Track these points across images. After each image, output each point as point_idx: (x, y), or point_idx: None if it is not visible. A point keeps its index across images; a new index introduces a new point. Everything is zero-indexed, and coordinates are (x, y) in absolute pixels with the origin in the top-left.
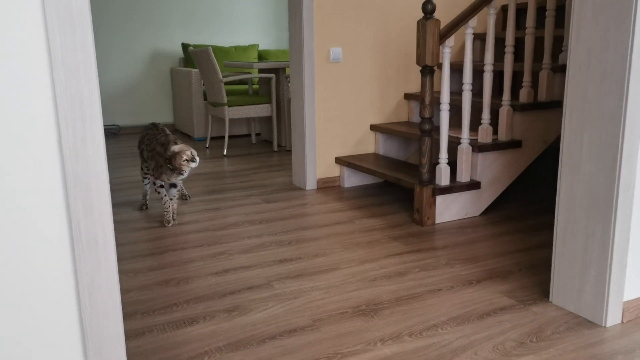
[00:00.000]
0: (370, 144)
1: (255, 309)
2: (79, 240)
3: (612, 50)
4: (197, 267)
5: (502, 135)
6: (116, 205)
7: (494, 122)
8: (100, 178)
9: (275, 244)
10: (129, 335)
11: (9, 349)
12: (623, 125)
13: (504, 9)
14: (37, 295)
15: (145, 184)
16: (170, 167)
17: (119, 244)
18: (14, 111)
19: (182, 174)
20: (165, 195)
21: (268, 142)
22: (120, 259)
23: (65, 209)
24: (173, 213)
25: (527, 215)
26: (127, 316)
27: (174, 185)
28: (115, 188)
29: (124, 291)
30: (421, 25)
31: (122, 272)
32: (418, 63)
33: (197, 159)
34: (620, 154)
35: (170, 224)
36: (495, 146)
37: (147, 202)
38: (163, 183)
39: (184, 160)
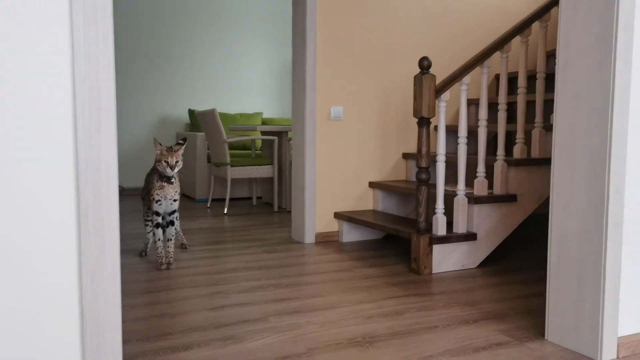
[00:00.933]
0: (369, 201)
1: (251, 339)
2: (86, 223)
3: (596, 89)
4: (193, 304)
5: (497, 189)
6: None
7: (489, 177)
8: (111, 164)
9: (273, 287)
10: (124, 358)
11: (9, 330)
12: (609, 160)
13: (497, 77)
14: (39, 276)
15: (148, 232)
16: (159, 166)
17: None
18: (35, 96)
19: (167, 172)
20: (160, 239)
21: (269, 204)
22: None
23: (75, 191)
24: (169, 255)
25: (525, 268)
26: (123, 342)
27: (171, 223)
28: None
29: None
30: (418, 80)
31: None
32: (415, 115)
33: (172, 160)
34: (607, 188)
35: (164, 267)
36: (491, 199)
37: (148, 249)
38: (159, 221)
39: (163, 155)
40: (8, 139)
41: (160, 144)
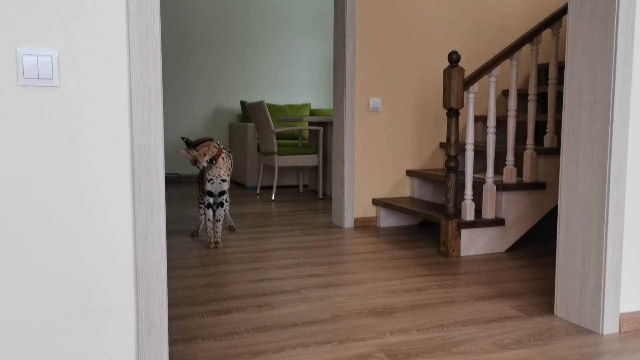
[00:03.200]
0: (406, 188)
1: (283, 306)
2: (139, 196)
3: (599, 82)
4: (236, 277)
5: (527, 177)
6: (174, 231)
7: (519, 166)
8: (158, 148)
9: (308, 264)
10: (174, 318)
11: (75, 279)
12: (610, 148)
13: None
14: (103, 237)
15: (200, 214)
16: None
17: (171, 258)
18: (101, 93)
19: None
20: (210, 220)
21: (314, 192)
22: (172, 267)
23: (131, 170)
24: (217, 234)
25: (552, 253)
26: (173, 305)
27: (220, 205)
28: (173, 220)
29: (172, 289)
30: (447, 73)
31: (172, 277)
32: (444, 106)
33: (203, 164)
34: (609, 174)
35: (212, 246)
36: (520, 186)
37: (200, 230)
38: (210, 202)
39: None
40: (81, 127)
41: (187, 143)
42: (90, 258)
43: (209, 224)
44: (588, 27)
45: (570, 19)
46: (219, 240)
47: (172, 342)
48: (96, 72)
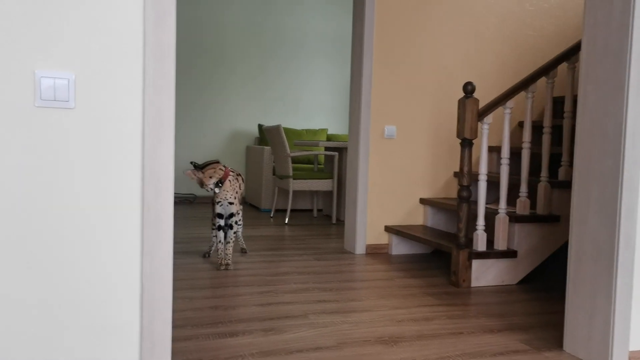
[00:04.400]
0: (419, 216)
1: (289, 331)
2: (148, 218)
3: (611, 117)
4: (244, 299)
5: (540, 209)
6: (185, 252)
7: (532, 198)
8: (168, 170)
9: (317, 290)
10: (178, 339)
11: (80, 297)
12: (621, 183)
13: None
14: (110, 257)
15: (212, 236)
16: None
17: (181, 279)
18: (114, 116)
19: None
20: (220, 242)
21: (328, 217)
22: (181, 288)
23: (140, 191)
24: (227, 256)
25: (565, 287)
26: (179, 326)
27: (229, 227)
28: (186, 240)
29: (179, 310)
30: (461, 103)
31: (180, 297)
32: (458, 136)
33: (210, 187)
34: (619, 210)
35: (222, 268)
36: (533, 218)
37: (211, 251)
38: (221, 224)
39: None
40: (94, 148)
41: (194, 167)
42: (97, 277)
43: (220, 245)
44: (601, 63)
45: (583, 54)
46: (229, 262)
47: None
48: (111, 94)
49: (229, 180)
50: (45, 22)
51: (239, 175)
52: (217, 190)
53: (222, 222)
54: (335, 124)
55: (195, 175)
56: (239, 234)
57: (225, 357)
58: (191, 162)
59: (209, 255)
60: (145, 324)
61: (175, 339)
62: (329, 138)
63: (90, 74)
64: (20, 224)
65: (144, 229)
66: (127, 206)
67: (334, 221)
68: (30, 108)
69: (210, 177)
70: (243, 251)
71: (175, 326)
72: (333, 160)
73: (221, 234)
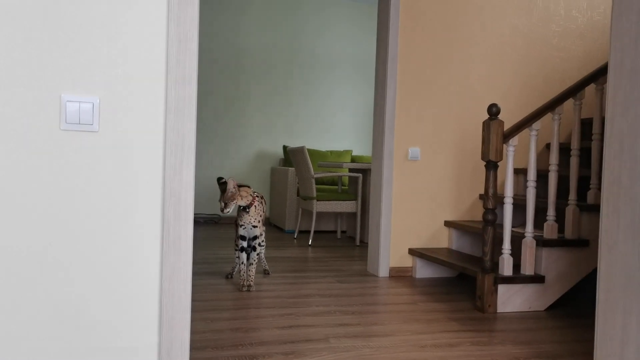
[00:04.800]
0: (444, 239)
1: (310, 355)
2: (167, 240)
3: (639, 140)
4: (265, 322)
5: (569, 234)
6: (208, 273)
7: (560, 222)
8: (189, 193)
9: (339, 312)
10: None
11: (100, 318)
12: None
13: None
14: (130, 278)
15: (236, 257)
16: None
17: (203, 300)
18: (137, 139)
19: (226, 209)
20: (243, 263)
21: (352, 239)
22: (202, 309)
23: (161, 213)
24: (249, 278)
25: (595, 313)
26: (199, 348)
27: (253, 249)
28: (210, 261)
29: (200, 332)
30: (486, 125)
31: (201, 319)
32: (483, 158)
33: (222, 204)
34: None
35: (244, 289)
36: (561, 242)
37: (234, 273)
38: (244, 245)
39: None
40: (117, 170)
41: (219, 182)
42: (117, 298)
43: (242, 267)
44: (629, 84)
45: (610, 75)
46: (251, 283)
47: None
48: (134, 118)
49: (255, 206)
50: (73, 48)
51: (262, 198)
52: (244, 212)
53: (244, 244)
54: (360, 146)
55: (234, 187)
56: (262, 255)
57: None
58: (218, 178)
59: (231, 277)
60: (164, 346)
61: None
62: (354, 159)
63: (114, 98)
64: (43, 243)
65: (163, 250)
66: (147, 228)
67: (357, 243)
68: (56, 131)
69: (242, 198)
70: (266, 272)
71: (195, 348)
72: (357, 181)
73: (244, 255)
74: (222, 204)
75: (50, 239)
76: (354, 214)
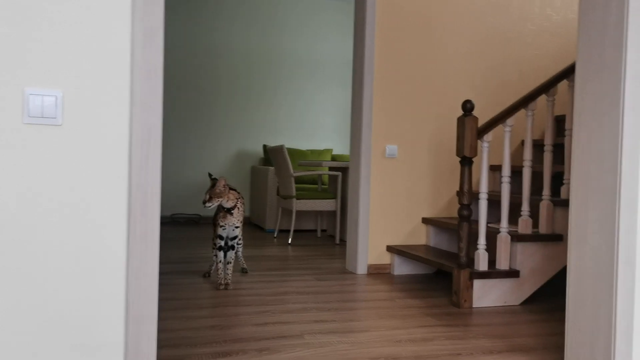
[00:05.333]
0: (421, 236)
1: (284, 351)
2: (134, 234)
3: (607, 134)
4: (241, 319)
5: (543, 228)
6: (185, 272)
7: (534, 217)
8: (155, 187)
9: (316, 310)
10: (172, 358)
11: (66, 315)
12: (619, 200)
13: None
14: (95, 274)
15: (213, 256)
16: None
17: (180, 298)
18: (102, 133)
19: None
20: (221, 262)
21: (332, 237)
22: (179, 308)
23: (127, 208)
24: (227, 276)
25: None
26: (173, 346)
27: (231, 248)
28: (188, 260)
29: (175, 330)
30: (460, 121)
31: (177, 317)
32: (457, 154)
33: (207, 197)
34: (618, 227)
35: (222, 287)
36: (535, 237)
37: (212, 271)
38: (221, 244)
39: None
40: (81, 164)
41: (219, 185)
42: (82, 294)
43: (220, 265)
44: (596, 80)
45: (578, 71)
46: (229, 282)
47: None
48: (98, 112)
49: (238, 207)
50: (36, 42)
51: (242, 198)
52: (227, 214)
53: (222, 243)
54: (340, 145)
55: (223, 186)
56: (239, 254)
57: None
58: (209, 173)
59: (209, 275)
60: (131, 342)
61: (168, 358)
62: (334, 158)
63: (78, 92)
64: (6, 239)
65: (129, 245)
66: (113, 223)
67: (337, 241)
68: (18, 125)
69: (228, 200)
70: (244, 271)
71: (169, 345)
72: (337, 180)
73: (221, 254)
74: (207, 196)
75: (12, 234)
76: (333, 213)
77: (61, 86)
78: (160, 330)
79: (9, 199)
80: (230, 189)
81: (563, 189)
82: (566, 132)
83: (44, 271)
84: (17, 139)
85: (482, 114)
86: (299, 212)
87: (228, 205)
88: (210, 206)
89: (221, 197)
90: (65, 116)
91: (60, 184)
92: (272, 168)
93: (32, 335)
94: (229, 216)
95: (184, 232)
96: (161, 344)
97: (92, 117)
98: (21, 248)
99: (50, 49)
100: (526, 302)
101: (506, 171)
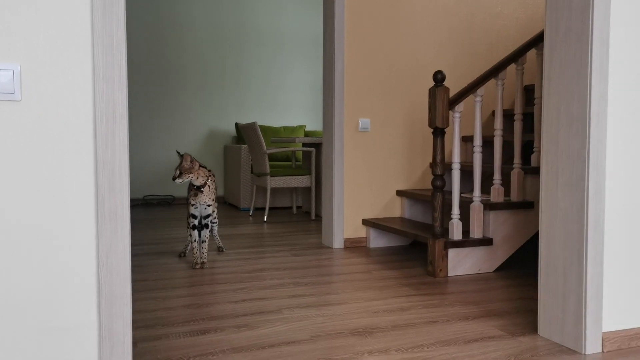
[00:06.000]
0: (396, 209)
1: (262, 327)
2: (102, 212)
3: (575, 99)
4: (218, 297)
5: (514, 196)
6: (160, 252)
7: (506, 185)
8: (123, 163)
9: (293, 285)
10: (147, 339)
11: (35, 298)
12: (588, 164)
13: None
14: (64, 254)
15: (188, 235)
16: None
17: (156, 279)
18: (64, 108)
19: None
20: (196, 241)
21: (308, 213)
22: (154, 288)
23: (94, 185)
24: (202, 255)
25: None
26: (149, 326)
27: (205, 226)
28: (163, 241)
29: (151, 310)
30: (432, 92)
31: (152, 297)
32: (430, 125)
33: (177, 173)
34: (587, 191)
35: (197, 267)
36: (507, 205)
37: (187, 251)
38: (195, 223)
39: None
40: (44, 141)
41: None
42: (51, 275)
43: (195, 244)
44: (564, 46)
45: (546, 37)
46: (204, 260)
47: None
48: (59, 86)
49: (208, 186)
50: None
51: (213, 176)
52: (198, 192)
53: (196, 222)
54: (313, 121)
55: (190, 162)
56: (215, 232)
57: (195, 355)
58: (177, 151)
59: (184, 255)
60: (104, 322)
61: (144, 339)
62: (307, 135)
63: (36, 65)
64: None
65: (98, 223)
66: (80, 201)
67: (313, 217)
68: None
69: (198, 177)
70: (220, 250)
71: (145, 326)
72: (310, 156)
73: (196, 233)
74: (177, 172)
75: None
76: (308, 189)
77: (19, 59)
78: (135, 312)
79: None
80: (201, 166)
81: (533, 157)
82: (535, 101)
83: (7, 251)
84: None
85: (453, 87)
86: (273, 190)
87: (198, 182)
88: (180, 182)
89: (191, 172)
90: (24, 91)
91: (22, 163)
92: (245, 146)
93: (0, 318)
94: (199, 194)
95: (157, 214)
96: (136, 325)
97: (53, 92)
98: None
99: (4, 19)
100: (499, 269)
101: (478, 141)
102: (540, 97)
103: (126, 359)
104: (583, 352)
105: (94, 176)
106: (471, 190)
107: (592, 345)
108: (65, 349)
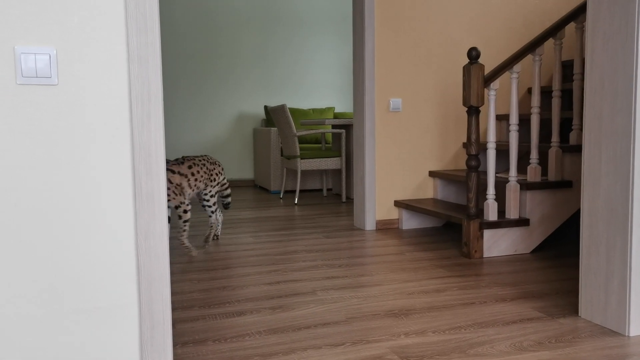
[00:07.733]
0: (429, 190)
1: (297, 308)
2: (140, 194)
3: (620, 72)
4: (252, 279)
5: (552, 176)
6: (191, 236)
7: (543, 165)
8: (159, 145)
9: (326, 266)
10: (186, 320)
11: (77, 279)
12: (633, 140)
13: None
14: (104, 236)
15: (209, 216)
16: None
17: (188, 261)
18: (99, 91)
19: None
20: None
21: (338, 195)
22: (188, 271)
23: (131, 168)
24: (214, 230)
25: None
26: (186, 308)
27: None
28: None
29: (187, 292)
30: (466, 70)
31: (187, 280)
32: (464, 104)
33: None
34: (633, 168)
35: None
36: (544, 185)
37: (218, 234)
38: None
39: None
40: (81, 125)
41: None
42: (92, 257)
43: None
44: (608, 17)
45: (589, 9)
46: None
47: (182, 343)
48: (94, 69)
49: (184, 184)
50: None
51: (203, 158)
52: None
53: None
54: (342, 102)
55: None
56: (213, 219)
57: (232, 336)
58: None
59: (217, 238)
60: (144, 303)
61: (181, 320)
62: (337, 116)
63: (71, 48)
64: (9, 206)
65: (136, 206)
66: (118, 184)
67: (343, 199)
68: (12, 86)
69: (170, 199)
70: (215, 238)
71: (182, 307)
72: (340, 137)
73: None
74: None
75: (15, 198)
76: (339, 171)
77: (54, 43)
78: (171, 293)
79: (6, 165)
80: (177, 162)
81: (572, 135)
82: (574, 77)
83: (49, 235)
84: (12, 101)
85: (488, 63)
86: (303, 172)
87: (172, 204)
88: (180, 210)
89: (175, 194)
90: (60, 75)
91: (60, 146)
92: (274, 129)
93: (43, 300)
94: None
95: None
96: (174, 306)
97: (89, 75)
98: (22, 215)
99: (39, 3)
100: (536, 250)
101: (514, 119)
102: (580, 73)
103: (166, 339)
104: (627, 334)
105: (130, 159)
106: (505, 170)
107: (636, 327)
108: (106, 329)
